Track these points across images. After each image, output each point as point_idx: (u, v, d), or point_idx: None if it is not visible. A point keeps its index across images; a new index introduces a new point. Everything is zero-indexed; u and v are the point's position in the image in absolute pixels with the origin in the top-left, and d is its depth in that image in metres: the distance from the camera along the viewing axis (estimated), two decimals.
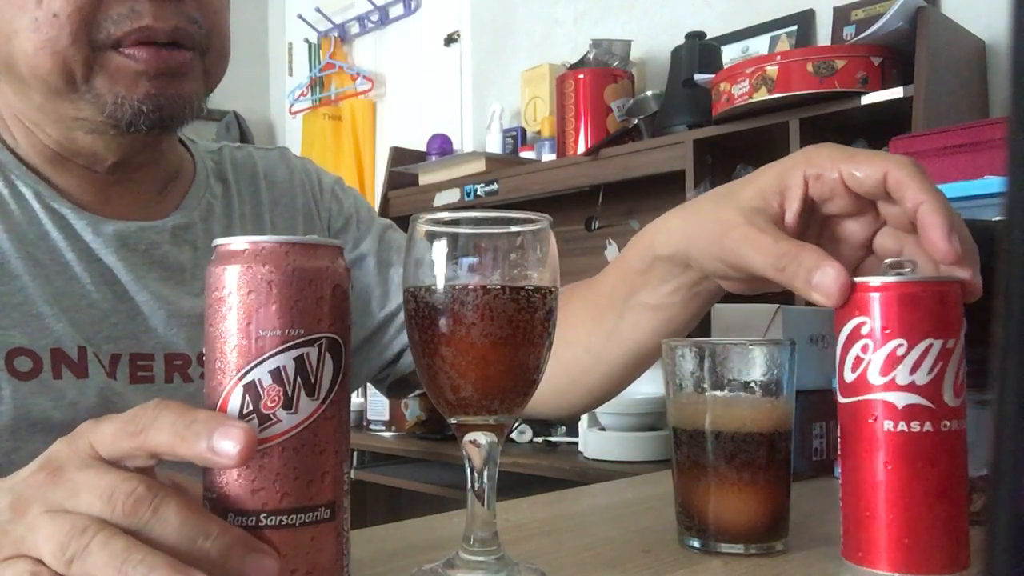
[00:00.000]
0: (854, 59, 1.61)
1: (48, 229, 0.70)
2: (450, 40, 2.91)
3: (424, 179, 2.54)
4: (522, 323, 0.45)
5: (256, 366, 0.40)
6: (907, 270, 0.50)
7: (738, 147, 1.92)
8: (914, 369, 0.47)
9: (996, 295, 0.20)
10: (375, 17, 3.17)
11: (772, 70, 1.65)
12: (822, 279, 0.50)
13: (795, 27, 2.05)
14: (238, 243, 0.42)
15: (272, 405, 0.40)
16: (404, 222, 0.50)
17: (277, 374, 0.41)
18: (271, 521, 0.40)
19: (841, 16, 1.95)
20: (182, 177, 0.80)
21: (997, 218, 0.80)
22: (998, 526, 0.19)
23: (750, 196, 0.57)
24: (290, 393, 0.41)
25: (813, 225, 0.58)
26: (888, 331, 0.48)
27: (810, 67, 1.62)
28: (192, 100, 0.69)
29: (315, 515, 0.41)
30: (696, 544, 0.54)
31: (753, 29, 2.12)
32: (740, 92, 1.70)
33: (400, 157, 2.68)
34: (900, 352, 0.47)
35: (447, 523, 0.62)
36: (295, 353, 0.41)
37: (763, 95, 1.66)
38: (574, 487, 0.80)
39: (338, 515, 0.43)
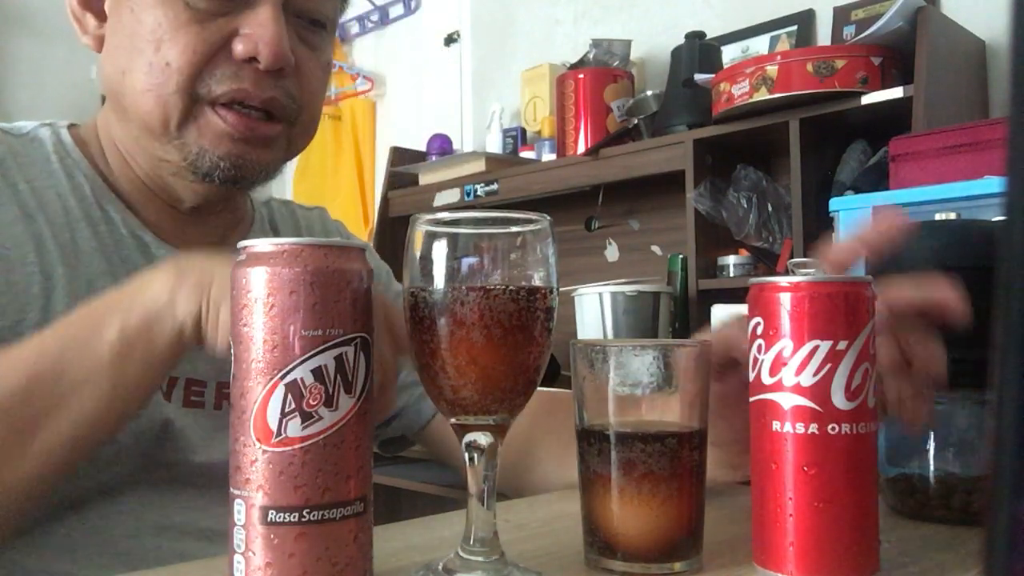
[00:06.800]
0: (854, 59, 1.61)
1: (131, 252, 0.75)
2: (450, 40, 2.91)
3: (424, 179, 2.54)
4: (522, 323, 0.45)
5: (298, 365, 0.41)
6: (810, 271, 0.49)
7: (738, 147, 1.92)
8: (799, 370, 0.46)
9: (996, 295, 0.20)
10: (375, 17, 3.17)
11: (772, 70, 1.65)
12: None
13: (795, 27, 2.04)
14: (275, 245, 0.42)
15: (315, 403, 0.41)
16: (404, 222, 0.50)
17: (319, 373, 0.41)
18: (314, 516, 0.41)
19: (841, 16, 1.95)
20: (244, 221, 0.87)
21: (997, 218, 0.80)
22: (998, 526, 0.19)
23: None
24: (331, 391, 0.42)
25: None
26: (773, 332, 0.47)
27: (810, 67, 1.62)
28: (269, 167, 0.75)
29: (352, 508, 0.42)
30: (596, 560, 0.51)
31: (753, 29, 2.12)
32: (740, 92, 1.70)
33: (400, 157, 2.68)
34: (786, 353, 0.46)
35: (447, 523, 0.62)
36: (335, 352, 0.42)
37: (763, 95, 1.66)
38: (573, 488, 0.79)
39: (368, 509, 0.44)
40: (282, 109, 0.73)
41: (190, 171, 0.72)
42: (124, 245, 0.75)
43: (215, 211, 0.80)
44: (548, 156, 2.32)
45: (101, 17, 0.75)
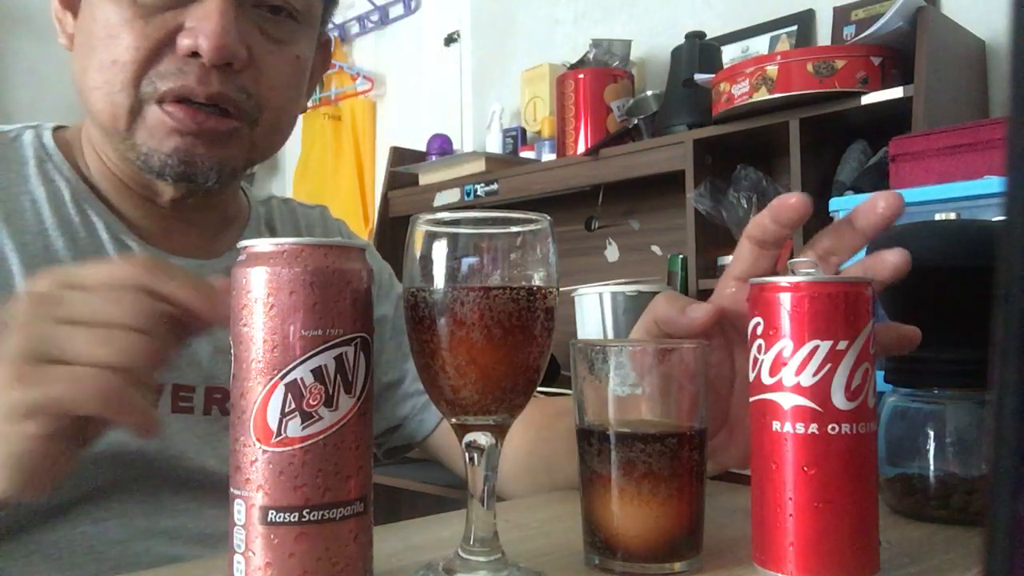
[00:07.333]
0: (854, 59, 1.61)
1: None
2: (450, 40, 2.91)
3: (424, 179, 2.53)
4: (522, 323, 0.45)
5: (298, 365, 0.41)
6: (810, 271, 0.49)
7: (738, 147, 1.92)
8: (799, 370, 0.46)
9: (996, 295, 0.20)
10: (375, 17, 3.17)
11: (772, 70, 1.65)
12: None
13: (795, 27, 2.04)
14: (275, 245, 0.42)
15: (315, 403, 0.41)
16: (404, 222, 0.50)
17: (319, 373, 0.41)
18: (314, 516, 0.41)
19: (841, 16, 1.95)
20: (238, 220, 0.84)
21: (997, 218, 0.80)
22: (998, 526, 0.19)
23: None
24: (331, 391, 0.42)
25: None
26: (773, 332, 0.47)
27: (810, 67, 1.62)
28: (224, 166, 0.71)
29: (352, 508, 0.43)
30: (595, 560, 0.51)
31: (753, 29, 2.12)
32: (740, 92, 1.70)
33: (400, 157, 2.68)
34: (786, 353, 0.47)
35: (447, 523, 0.62)
36: (335, 352, 0.42)
37: (763, 95, 1.66)
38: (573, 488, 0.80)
39: (368, 509, 0.44)
40: (234, 105, 0.70)
41: (145, 169, 0.70)
42: (104, 252, 0.73)
43: (199, 209, 0.77)
44: (548, 156, 2.32)
45: (76, 15, 0.73)
